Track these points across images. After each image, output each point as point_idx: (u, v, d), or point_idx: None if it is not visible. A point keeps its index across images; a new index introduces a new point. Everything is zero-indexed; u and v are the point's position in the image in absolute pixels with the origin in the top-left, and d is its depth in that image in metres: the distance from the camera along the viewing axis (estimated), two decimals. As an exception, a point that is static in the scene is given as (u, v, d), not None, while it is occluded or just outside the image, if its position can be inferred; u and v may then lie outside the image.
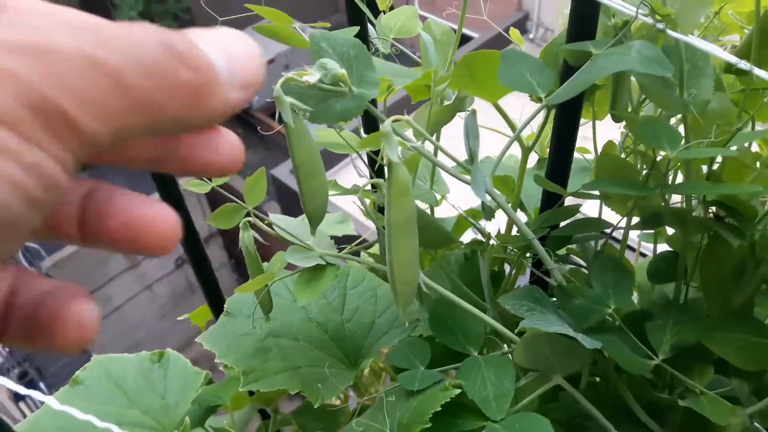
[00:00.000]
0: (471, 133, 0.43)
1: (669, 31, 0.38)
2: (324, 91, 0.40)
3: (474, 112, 0.47)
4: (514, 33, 0.68)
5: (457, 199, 0.67)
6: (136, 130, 0.19)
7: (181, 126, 0.20)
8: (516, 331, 0.49)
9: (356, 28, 0.50)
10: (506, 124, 0.58)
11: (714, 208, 0.45)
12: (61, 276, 5.25)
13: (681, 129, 0.45)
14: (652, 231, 0.60)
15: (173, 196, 0.65)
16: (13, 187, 0.17)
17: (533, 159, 0.66)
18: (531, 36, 6.10)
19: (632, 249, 0.88)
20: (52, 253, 5.59)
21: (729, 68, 0.47)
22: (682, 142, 0.39)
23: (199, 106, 0.20)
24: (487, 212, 0.49)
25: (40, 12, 0.18)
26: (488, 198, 0.45)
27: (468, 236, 0.69)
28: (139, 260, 5.84)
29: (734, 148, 0.41)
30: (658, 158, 0.46)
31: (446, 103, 0.56)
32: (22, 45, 0.17)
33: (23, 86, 0.17)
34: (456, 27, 0.52)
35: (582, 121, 0.63)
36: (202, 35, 0.21)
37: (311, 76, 0.39)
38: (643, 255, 0.78)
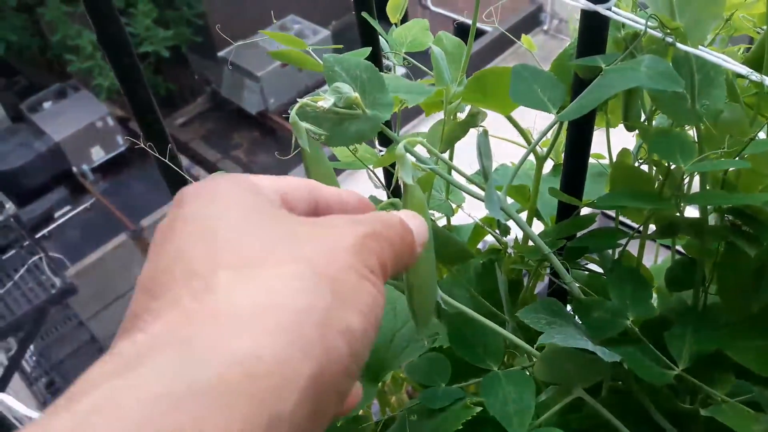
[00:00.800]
0: (484, 153, 0.43)
1: (679, 44, 0.38)
2: (338, 114, 0.40)
3: (486, 132, 0.47)
4: (526, 40, 0.67)
5: (473, 207, 0.67)
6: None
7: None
8: (536, 346, 0.49)
9: (368, 50, 0.50)
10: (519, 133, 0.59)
11: (730, 217, 0.45)
12: (86, 284, 5.31)
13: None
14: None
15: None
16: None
17: (548, 165, 0.67)
18: (545, 27, 6.06)
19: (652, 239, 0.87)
20: (75, 262, 5.66)
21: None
22: (696, 153, 0.39)
23: (411, 257, 0.28)
24: (503, 230, 0.50)
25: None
26: (503, 215, 0.45)
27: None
28: (161, 266, 5.87)
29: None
30: (672, 167, 0.46)
31: (459, 115, 0.56)
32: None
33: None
34: (470, 21, 0.52)
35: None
36: (407, 216, 0.29)
37: (325, 101, 0.40)
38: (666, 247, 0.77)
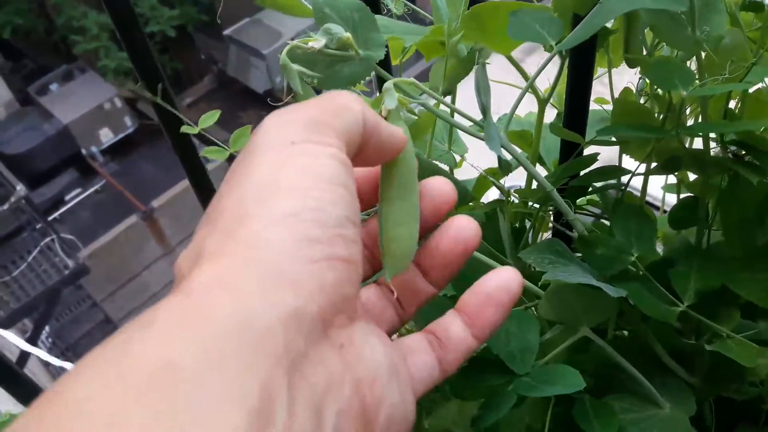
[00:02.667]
0: (482, 87, 0.43)
1: (678, -33, 0.37)
2: (330, 56, 0.40)
3: (483, 65, 0.46)
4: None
5: (476, 158, 0.66)
6: None
7: None
8: (540, 284, 0.49)
9: None
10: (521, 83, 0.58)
11: (733, 148, 0.44)
12: (98, 265, 5.36)
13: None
14: (675, 183, 0.59)
15: (197, 169, 0.67)
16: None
17: (552, 115, 0.66)
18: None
19: (656, 207, 0.87)
20: (88, 245, 5.71)
21: (746, 5, 0.46)
22: (695, 80, 0.38)
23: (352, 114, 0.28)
24: (504, 167, 0.49)
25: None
26: (504, 152, 0.45)
27: (490, 196, 0.69)
28: (173, 246, 5.93)
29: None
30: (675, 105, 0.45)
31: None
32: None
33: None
34: None
35: (601, 71, 0.62)
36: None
37: (316, 41, 0.39)
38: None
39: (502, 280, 0.32)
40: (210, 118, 0.60)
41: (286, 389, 0.20)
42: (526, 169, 0.45)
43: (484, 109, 0.43)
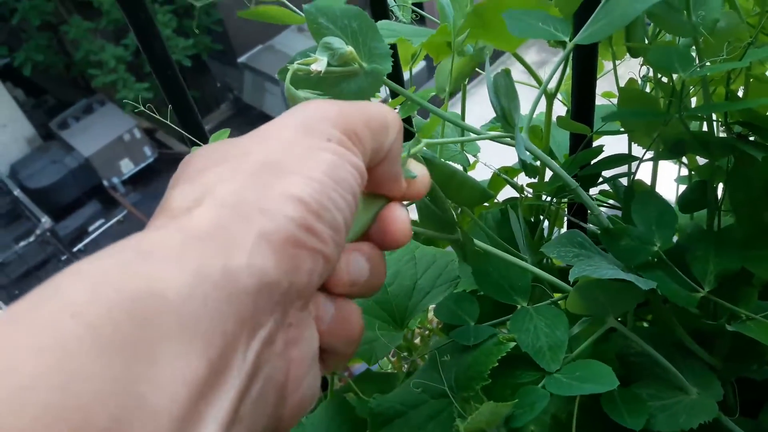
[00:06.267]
0: (506, 94, 0.42)
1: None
2: (334, 73, 0.37)
3: (507, 71, 0.45)
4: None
5: (489, 157, 0.67)
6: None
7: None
8: (571, 280, 0.48)
9: None
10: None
11: (739, 130, 0.45)
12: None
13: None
14: (687, 174, 0.60)
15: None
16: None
17: (560, 111, 0.67)
18: None
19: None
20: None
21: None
22: (694, 63, 0.39)
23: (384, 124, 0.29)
24: (530, 170, 0.50)
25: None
26: (530, 156, 0.44)
27: (504, 195, 0.70)
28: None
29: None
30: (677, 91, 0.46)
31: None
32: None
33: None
34: None
35: (607, 67, 0.63)
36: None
37: (318, 62, 0.36)
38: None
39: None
40: (221, 136, 0.61)
41: (243, 349, 0.21)
42: (550, 168, 0.45)
43: (504, 113, 0.43)
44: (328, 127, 0.26)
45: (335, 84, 0.37)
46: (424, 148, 0.38)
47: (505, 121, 0.44)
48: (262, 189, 0.24)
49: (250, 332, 0.22)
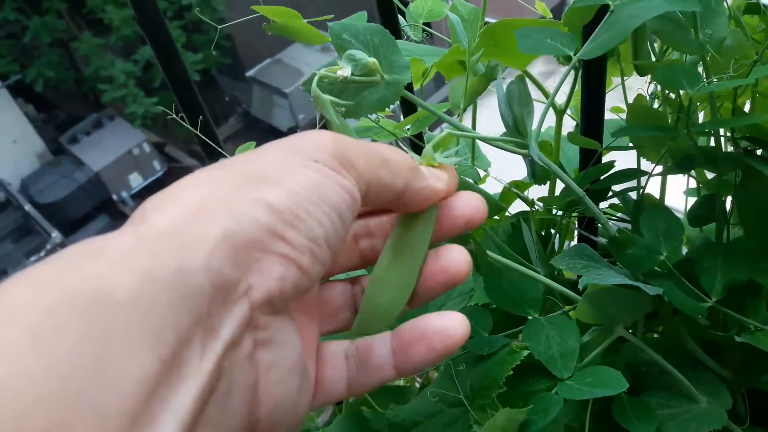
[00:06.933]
0: (521, 100, 0.43)
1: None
2: (357, 83, 0.39)
3: (522, 77, 0.46)
4: (540, 5, 0.69)
5: (498, 172, 0.69)
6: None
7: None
8: (581, 288, 0.49)
9: (364, 13, 0.51)
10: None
11: (744, 143, 0.46)
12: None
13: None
14: (696, 187, 0.61)
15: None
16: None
17: (569, 126, 0.68)
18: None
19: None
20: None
21: (749, 8, 0.48)
22: (701, 80, 0.40)
23: (379, 157, 0.29)
24: (540, 176, 0.51)
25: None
26: (542, 157, 0.45)
27: (514, 209, 0.71)
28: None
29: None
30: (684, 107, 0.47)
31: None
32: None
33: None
34: (495, 19, 0.54)
35: (615, 82, 0.64)
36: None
37: (343, 69, 0.38)
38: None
39: (443, 324, 0.29)
40: (248, 148, 0.62)
41: (200, 348, 0.21)
42: (562, 180, 0.46)
43: (515, 122, 0.44)
44: (317, 151, 0.26)
45: (357, 93, 0.39)
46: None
47: (517, 131, 0.46)
48: (234, 193, 0.24)
49: (208, 332, 0.21)
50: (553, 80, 0.75)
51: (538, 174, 0.52)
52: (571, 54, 0.44)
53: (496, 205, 0.58)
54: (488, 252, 0.51)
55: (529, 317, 0.52)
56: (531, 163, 0.56)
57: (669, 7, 0.39)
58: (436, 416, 0.49)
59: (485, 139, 0.49)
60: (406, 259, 0.30)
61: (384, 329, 0.30)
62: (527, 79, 0.60)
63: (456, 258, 0.31)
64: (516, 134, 0.46)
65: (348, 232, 0.27)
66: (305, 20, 0.51)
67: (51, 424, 0.17)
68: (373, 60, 0.38)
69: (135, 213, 0.24)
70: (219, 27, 0.55)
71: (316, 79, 0.37)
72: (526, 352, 0.48)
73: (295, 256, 0.24)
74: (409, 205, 0.30)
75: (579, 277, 0.47)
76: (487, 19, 0.53)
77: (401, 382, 0.77)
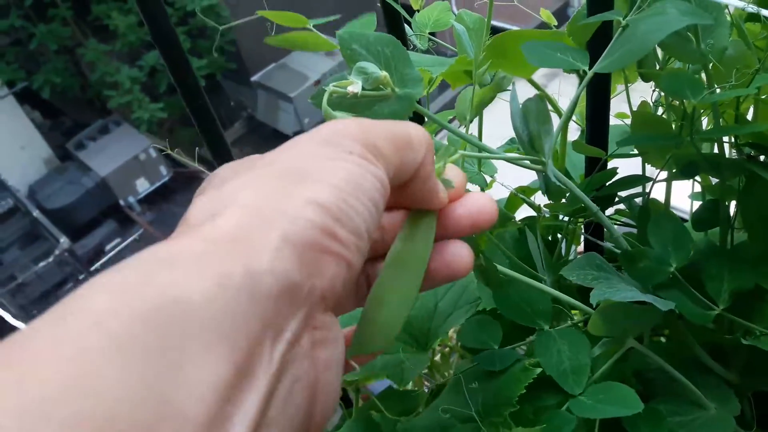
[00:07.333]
0: (538, 117, 0.43)
1: (683, -13, 0.40)
2: (368, 97, 0.38)
3: (541, 96, 0.45)
4: (545, 13, 0.69)
5: (504, 177, 0.69)
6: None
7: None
8: (594, 303, 0.49)
9: (373, 17, 0.50)
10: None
11: (748, 150, 0.46)
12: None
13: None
14: (701, 191, 0.61)
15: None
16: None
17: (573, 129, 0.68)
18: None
19: (684, 220, 0.88)
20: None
21: (751, 16, 0.48)
22: (704, 89, 0.41)
23: (409, 142, 0.29)
24: (554, 194, 0.51)
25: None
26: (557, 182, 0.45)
27: (521, 214, 0.71)
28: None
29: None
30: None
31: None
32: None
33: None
34: (500, 23, 0.54)
35: (619, 88, 0.64)
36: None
37: (354, 85, 0.37)
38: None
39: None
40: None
41: (269, 350, 0.21)
42: (575, 194, 0.46)
43: (530, 138, 0.44)
44: (349, 142, 0.27)
45: (368, 107, 0.38)
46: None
47: (532, 147, 0.45)
48: (284, 194, 0.24)
49: (275, 334, 0.22)
50: (557, 83, 0.76)
51: (552, 190, 0.52)
52: (585, 68, 0.44)
53: (504, 216, 0.58)
54: (497, 265, 0.51)
55: (539, 329, 0.52)
56: (545, 179, 0.56)
57: (684, 22, 0.39)
58: (447, 431, 0.49)
59: (500, 158, 0.49)
60: (406, 276, 0.30)
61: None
62: (527, 85, 0.61)
63: (458, 253, 0.32)
64: (530, 150, 0.45)
65: (380, 217, 0.27)
66: (311, 21, 0.50)
67: (137, 428, 0.17)
68: (384, 74, 0.37)
69: (188, 213, 0.25)
70: (221, 28, 0.55)
71: (326, 95, 0.36)
72: (539, 370, 0.48)
73: (345, 254, 0.25)
74: (418, 193, 0.30)
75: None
76: (493, 23, 0.53)
77: (410, 386, 0.77)
